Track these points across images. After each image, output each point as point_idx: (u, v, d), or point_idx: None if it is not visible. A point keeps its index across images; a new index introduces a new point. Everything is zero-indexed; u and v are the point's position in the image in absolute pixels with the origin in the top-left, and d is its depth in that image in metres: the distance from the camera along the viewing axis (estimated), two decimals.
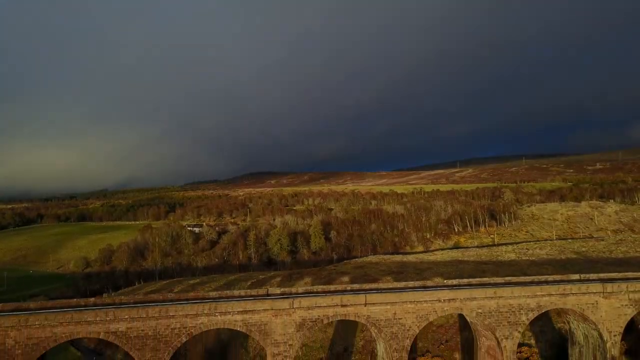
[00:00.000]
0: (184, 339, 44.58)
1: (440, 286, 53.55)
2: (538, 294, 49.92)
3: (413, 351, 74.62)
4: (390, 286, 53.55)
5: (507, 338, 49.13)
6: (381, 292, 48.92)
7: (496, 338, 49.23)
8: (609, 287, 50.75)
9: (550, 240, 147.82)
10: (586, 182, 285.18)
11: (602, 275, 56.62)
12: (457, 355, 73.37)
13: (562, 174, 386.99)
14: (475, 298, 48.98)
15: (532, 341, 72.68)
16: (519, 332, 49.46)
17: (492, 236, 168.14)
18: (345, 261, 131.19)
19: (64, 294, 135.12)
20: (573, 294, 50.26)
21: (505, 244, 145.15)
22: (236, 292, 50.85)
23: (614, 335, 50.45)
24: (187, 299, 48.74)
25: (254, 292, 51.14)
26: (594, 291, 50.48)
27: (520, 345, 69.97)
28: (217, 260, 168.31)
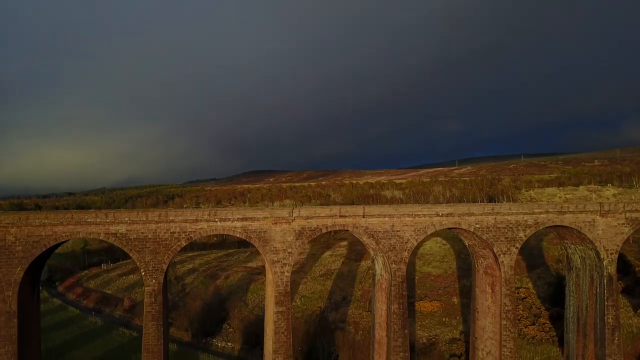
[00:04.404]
0: (183, 243, 44.82)
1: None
2: (536, 211, 50.30)
3: (412, 296, 74.88)
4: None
5: (504, 253, 49.40)
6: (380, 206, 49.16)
7: (494, 254, 49.50)
8: (606, 205, 51.16)
9: None
10: (584, 172, 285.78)
11: (599, 201, 56.94)
12: (455, 300, 73.75)
13: (560, 169, 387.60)
14: (473, 213, 49.32)
15: (530, 285, 73.10)
16: (517, 247, 49.72)
17: None
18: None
19: (64, 265, 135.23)
20: (570, 212, 50.62)
21: None
22: (235, 209, 51.10)
23: (611, 254, 50.72)
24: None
25: (253, 208, 51.37)
26: (591, 209, 50.86)
27: (517, 287, 70.32)
28: (215, 238, 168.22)
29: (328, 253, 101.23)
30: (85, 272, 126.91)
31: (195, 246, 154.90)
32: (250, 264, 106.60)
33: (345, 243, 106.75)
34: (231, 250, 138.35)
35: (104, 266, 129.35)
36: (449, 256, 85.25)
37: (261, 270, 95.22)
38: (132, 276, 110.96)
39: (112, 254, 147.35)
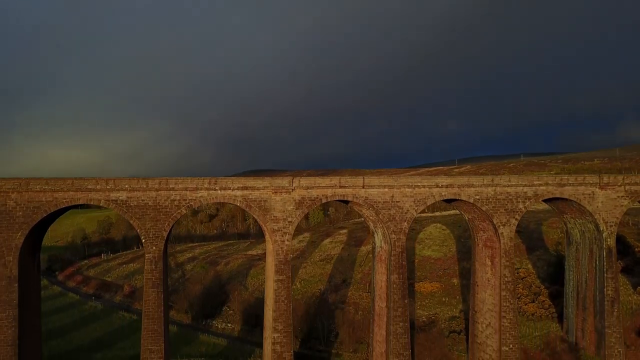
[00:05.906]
0: (184, 211, 44.99)
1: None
2: (535, 183, 50.44)
3: (412, 278, 74.94)
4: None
5: (504, 225, 49.50)
6: (380, 177, 49.33)
7: (494, 225, 49.58)
8: (605, 177, 51.30)
9: None
10: (584, 169, 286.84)
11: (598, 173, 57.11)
12: (454, 281, 73.89)
13: (560, 167, 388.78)
14: (473, 185, 49.44)
15: (530, 266, 73.24)
16: (516, 219, 49.82)
17: None
18: (343, 222, 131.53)
19: (63, 255, 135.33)
20: (570, 184, 50.77)
21: None
22: (235, 178, 51.20)
23: (610, 226, 50.79)
24: None
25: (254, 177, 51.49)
26: (590, 182, 51.00)
27: (517, 268, 70.38)
28: (215, 231, 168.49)
29: (328, 240, 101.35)
30: (85, 261, 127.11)
31: (195, 238, 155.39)
32: (250, 252, 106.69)
33: (345, 231, 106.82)
34: (231, 241, 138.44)
35: (103, 256, 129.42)
36: (448, 240, 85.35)
37: (261, 257, 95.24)
38: (132, 264, 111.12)
39: (111, 245, 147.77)
